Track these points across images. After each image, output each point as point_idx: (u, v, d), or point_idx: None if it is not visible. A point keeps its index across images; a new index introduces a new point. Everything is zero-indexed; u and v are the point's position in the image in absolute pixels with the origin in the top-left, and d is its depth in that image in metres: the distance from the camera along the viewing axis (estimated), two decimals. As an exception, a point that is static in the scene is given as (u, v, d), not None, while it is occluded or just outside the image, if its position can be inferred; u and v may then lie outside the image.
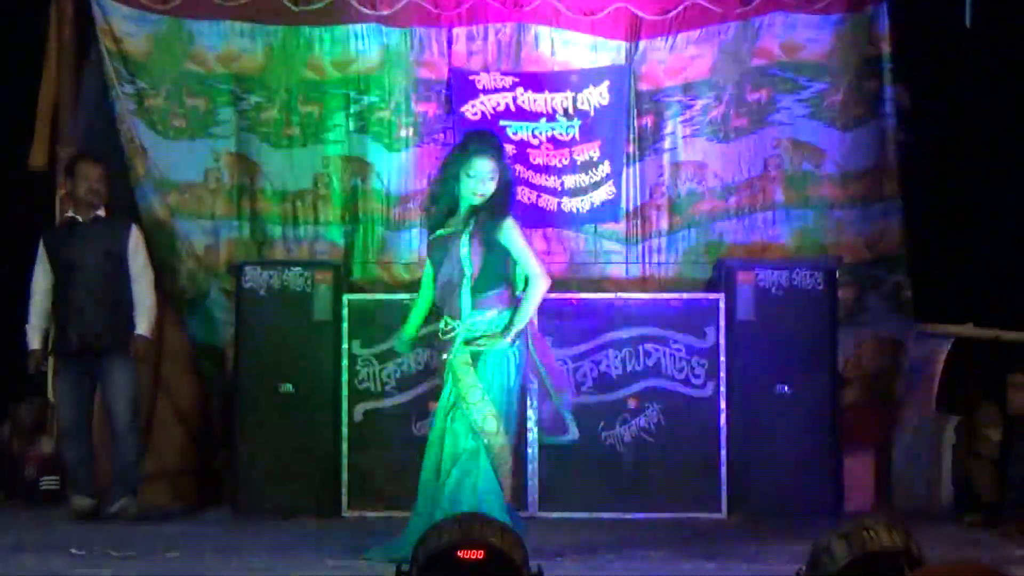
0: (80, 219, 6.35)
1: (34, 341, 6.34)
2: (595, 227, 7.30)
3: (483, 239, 4.89)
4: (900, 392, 6.92)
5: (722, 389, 6.49)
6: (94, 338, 6.25)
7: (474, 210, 4.94)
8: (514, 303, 4.98)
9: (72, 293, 6.25)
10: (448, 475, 4.80)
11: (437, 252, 5.01)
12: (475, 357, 4.88)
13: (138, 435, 6.43)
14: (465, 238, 4.88)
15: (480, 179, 4.90)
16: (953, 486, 6.47)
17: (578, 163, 7.24)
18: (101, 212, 6.39)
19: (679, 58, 7.31)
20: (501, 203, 4.95)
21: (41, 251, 6.35)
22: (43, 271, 6.34)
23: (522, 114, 7.25)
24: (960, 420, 6.58)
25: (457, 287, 4.90)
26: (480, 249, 4.89)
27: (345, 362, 6.55)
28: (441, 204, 5.02)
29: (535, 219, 7.20)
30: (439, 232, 5.02)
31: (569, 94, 7.26)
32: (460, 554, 3.47)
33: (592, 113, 7.26)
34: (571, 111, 7.26)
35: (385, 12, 7.28)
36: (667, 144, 7.32)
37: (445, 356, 4.97)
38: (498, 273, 4.97)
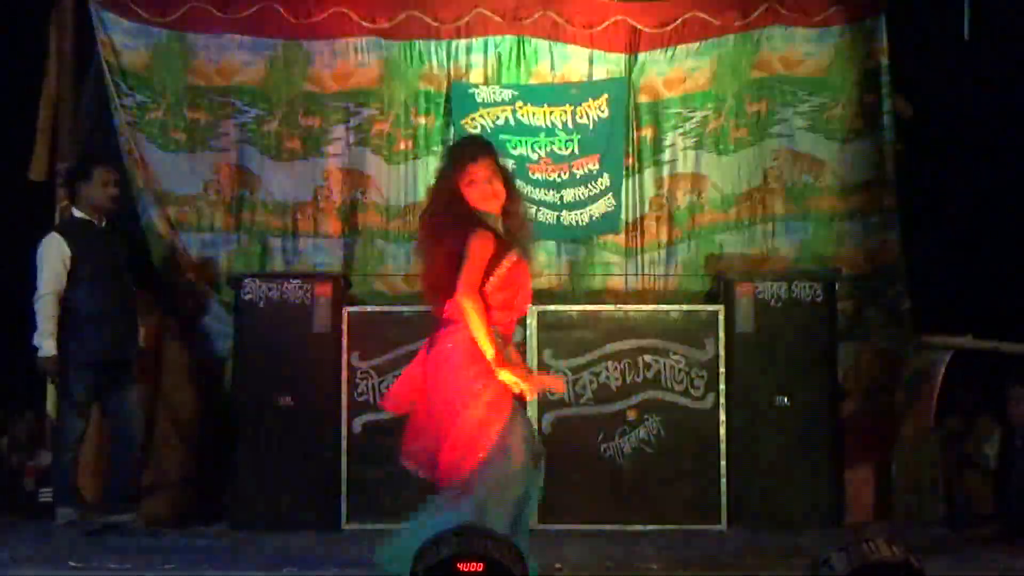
0: (95, 223, 6.28)
1: (53, 346, 6.04)
2: (595, 239, 7.31)
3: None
4: (899, 404, 6.91)
5: (722, 401, 6.49)
6: (125, 348, 6.20)
7: (517, 233, 4.41)
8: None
9: (102, 299, 6.12)
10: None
11: (524, 280, 4.40)
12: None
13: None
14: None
15: (486, 180, 4.32)
16: (944, 498, 6.46)
17: (577, 176, 7.26)
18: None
19: (678, 70, 7.33)
20: (530, 226, 4.56)
21: (63, 249, 6.10)
22: (63, 272, 6.07)
23: (522, 128, 7.27)
24: (945, 433, 6.58)
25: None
26: None
27: (344, 374, 6.55)
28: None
29: (535, 233, 7.20)
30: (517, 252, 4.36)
31: (568, 107, 7.28)
32: (460, 567, 3.47)
33: (592, 126, 7.27)
34: (570, 124, 7.27)
35: (385, 25, 7.30)
36: (667, 156, 7.34)
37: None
38: None
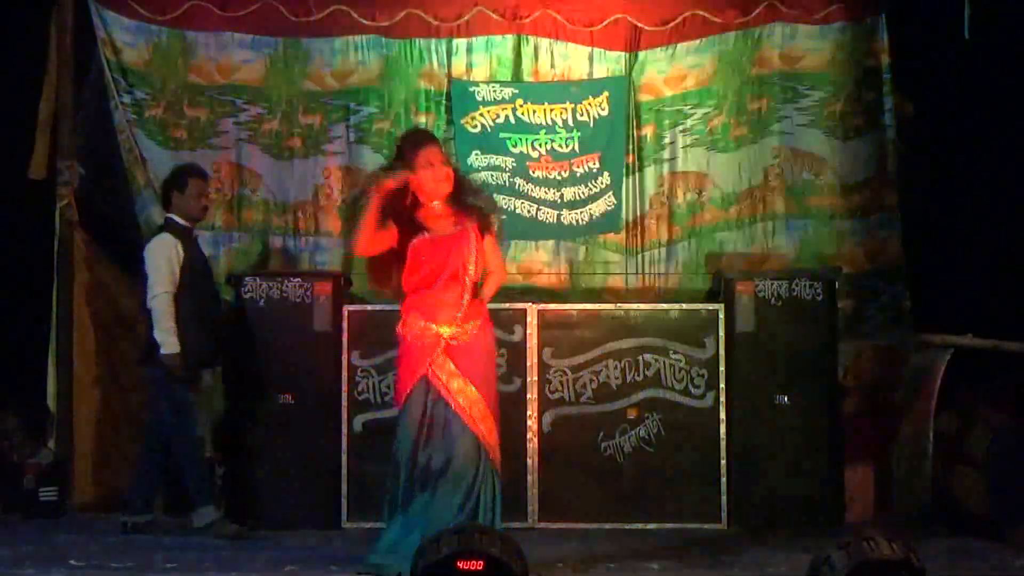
0: (192, 229, 6.34)
1: (176, 343, 6.06)
2: (595, 238, 7.31)
3: (479, 243, 4.85)
4: (900, 403, 6.91)
5: (722, 399, 6.49)
6: (215, 352, 6.38)
7: (463, 210, 4.87)
8: (482, 312, 4.94)
9: (200, 303, 6.21)
10: (457, 495, 4.71)
11: (434, 254, 4.81)
12: (461, 363, 4.79)
13: None
14: (471, 241, 4.82)
15: (440, 163, 4.86)
16: (934, 496, 6.45)
17: (578, 175, 7.26)
18: None
19: (679, 68, 7.33)
20: (482, 204, 4.94)
21: (178, 250, 6.14)
22: (177, 271, 6.13)
23: (522, 126, 7.27)
24: (935, 431, 6.57)
25: (457, 291, 4.81)
26: (480, 254, 4.84)
27: (345, 373, 6.55)
28: (391, 210, 4.81)
29: (536, 232, 7.23)
30: (428, 232, 4.83)
31: (569, 105, 7.28)
32: (460, 565, 3.47)
33: (592, 124, 7.27)
34: (571, 122, 7.27)
35: (385, 23, 7.31)
36: (667, 154, 7.34)
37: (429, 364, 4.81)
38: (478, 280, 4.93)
